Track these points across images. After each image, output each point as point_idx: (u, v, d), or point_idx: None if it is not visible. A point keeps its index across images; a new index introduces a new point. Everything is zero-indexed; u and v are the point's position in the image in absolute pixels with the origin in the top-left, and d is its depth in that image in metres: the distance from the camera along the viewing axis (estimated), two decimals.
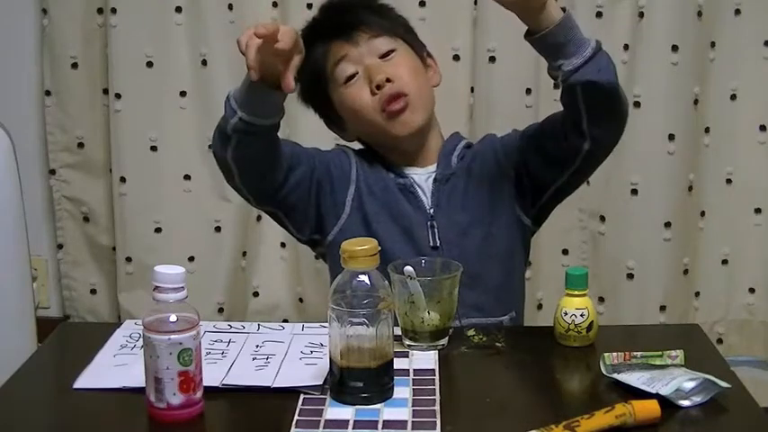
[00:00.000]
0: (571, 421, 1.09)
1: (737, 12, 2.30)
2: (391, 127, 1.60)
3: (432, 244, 1.58)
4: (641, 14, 2.25)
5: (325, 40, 1.62)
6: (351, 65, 1.60)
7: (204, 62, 2.35)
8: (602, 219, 2.38)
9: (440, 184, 1.62)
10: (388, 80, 1.58)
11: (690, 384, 1.16)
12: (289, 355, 1.31)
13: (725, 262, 2.42)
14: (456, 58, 2.29)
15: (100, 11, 2.37)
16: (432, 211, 1.60)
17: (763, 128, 2.35)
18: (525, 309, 2.38)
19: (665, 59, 2.25)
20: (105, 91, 2.41)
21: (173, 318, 1.12)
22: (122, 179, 2.40)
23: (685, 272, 2.39)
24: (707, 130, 2.35)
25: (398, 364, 1.23)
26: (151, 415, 1.14)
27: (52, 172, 2.48)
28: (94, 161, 2.47)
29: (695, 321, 2.29)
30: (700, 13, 2.25)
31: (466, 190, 1.62)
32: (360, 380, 1.17)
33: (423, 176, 1.64)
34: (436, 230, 1.59)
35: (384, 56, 1.60)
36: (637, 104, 2.28)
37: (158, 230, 2.41)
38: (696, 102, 2.30)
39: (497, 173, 1.63)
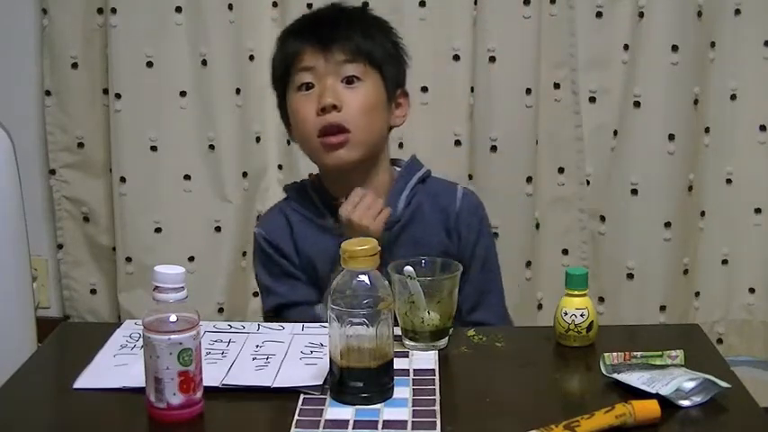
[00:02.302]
0: (571, 421, 1.09)
1: (737, 12, 2.30)
2: (323, 156, 1.57)
3: None
4: (641, 14, 2.25)
5: (304, 41, 1.58)
6: (312, 76, 1.56)
7: (204, 62, 2.35)
8: (603, 219, 2.38)
9: (383, 230, 1.55)
10: (335, 107, 1.54)
11: (690, 384, 1.16)
12: (289, 355, 1.31)
13: (725, 262, 2.42)
14: (456, 58, 2.29)
15: (100, 11, 2.36)
16: None
17: (763, 128, 2.35)
18: (525, 309, 2.40)
19: (665, 59, 2.25)
20: (105, 91, 2.40)
21: (173, 318, 1.12)
22: (122, 179, 2.40)
23: (685, 272, 2.39)
24: (707, 130, 2.35)
25: (398, 364, 1.23)
26: (151, 415, 1.14)
27: (52, 172, 2.48)
28: (94, 161, 2.47)
29: (695, 321, 2.29)
30: (700, 13, 2.25)
31: (410, 239, 1.58)
32: (360, 380, 1.17)
33: None
34: None
35: (348, 81, 1.56)
36: (637, 104, 2.29)
37: (158, 230, 2.41)
38: (696, 102, 2.30)
39: (438, 236, 1.60)
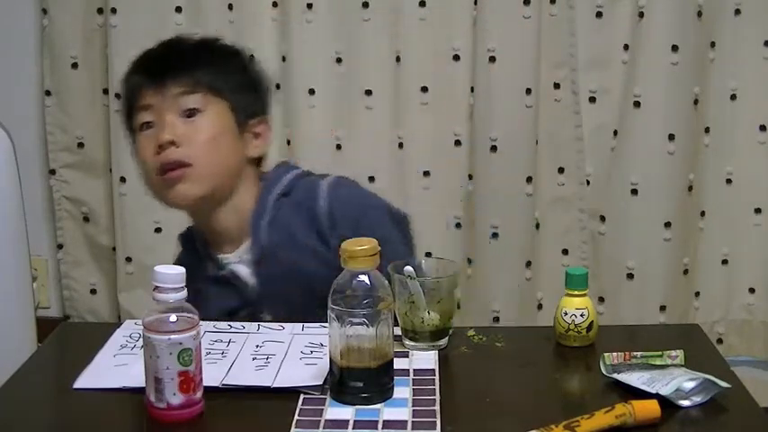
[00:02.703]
0: (571, 421, 1.09)
1: (737, 12, 2.30)
2: (164, 195, 1.49)
3: None
4: (641, 14, 2.25)
5: (141, 78, 1.51)
6: (151, 114, 1.48)
7: None
8: (603, 219, 2.38)
9: (258, 268, 1.50)
10: (172, 143, 1.45)
11: (690, 384, 1.16)
12: (289, 355, 1.31)
13: (725, 262, 2.42)
14: (456, 58, 2.29)
15: (100, 11, 2.37)
16: (258, 302, 1.50)
17: (763, 128, 2.36)
18: (525, 309, 2.40)
19: (665, 59, 2.25)
20: (105, 91, 2.41)
21: (173, 318, 1.12)
22: (122, 179, 2.40)
23: (685, 272, 2.39)
24: (707, 130, 2.35)
25: (398, 364, 1.23)
26: (151, 415, 1.14)
27: (52, 172, 2.48)
28: (94, 161, 2.47)
29: (695, 321, 2.29)
30: (700, 13, 2.25)
31: (288, 269, 1.49)
32: (360, 380, 1.17)
33: (239, 260, 1.52)
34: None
35: (188, 114, 1.47)
36: (637, 104, 2.29)
37: (158, 230, 2.41)
38: (696, 102, 2.30)
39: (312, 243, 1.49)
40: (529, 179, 2.33)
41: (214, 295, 1.53)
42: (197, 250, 1.58)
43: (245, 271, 1.53)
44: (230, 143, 1.51)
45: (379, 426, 1.12)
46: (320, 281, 1.37)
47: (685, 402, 1.16)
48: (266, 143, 1.57)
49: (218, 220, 1.53)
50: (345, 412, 1.15)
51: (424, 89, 2.31)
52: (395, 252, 1.42)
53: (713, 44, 2.31)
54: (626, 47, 2.29)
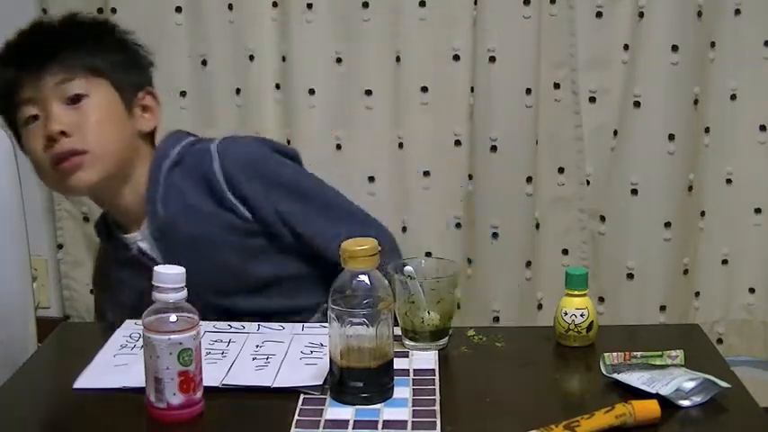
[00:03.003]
0: (571, 421, 1.09)
1: (737, 12, 2.30)
2: (62, 186, 1.48)
3: None
4: (641, 14, 2.25)
5: (16, 70, 1.46)
6: (33, 107, 1.45)
7: (204, 62, 2.35)
8: (603, 219, 2.38)
9: (160, 242, 1.49)
10: (63, 133, 1.42)
11: (690, 384, 1.16)
12: (289, 355, 1.31)
13: (725, 262, 2.42)
14: (456, 58, 2.29)
15: (100, 11, 2.36)
16: None
17: (763, 128, 2.35)
18: (525, 309, 2.40)
19: (665, 59, 2.25)
20: None
21: (173, 318, 1.12)
22: None
23: (685, 272, 2.39)
24: (707, 130, 2.35)
25: (398, 364, 1.23)
26: (151, 415, 1.14)
27: None
28: None
29: (695, 321, 2.29)
30: (700, 13, 2.25)
31: (191, 241, 1.47)
32: (360, 380, 1.17)
33: (142, 238, 1.51)
34: None
35: (72, 101, 1.45)
36: (637, 104, 2.29)
37: None
38: (696, 102, 2.30)
39: (210, 209, 1.47)
40: (529, 179, 2.33)
41: (128, 278, 1.52)
42: (111, 236, 1.56)
43: (149, 247, 1.51)
44: (120, 122, 1.49)
45: (379, 426, 1.12)
46: (231, 248, 1.36)
47: (685, 402, 1.16)
48: (156, 115, 1.55)
49: (120, 201, 1.52)
50: (345, 412, 1.15)
51: (424, 89, 2.31)
52: (308, 179, 1.50)
53: (713, 44, 2.31)
54: (626, 47, 2.29)
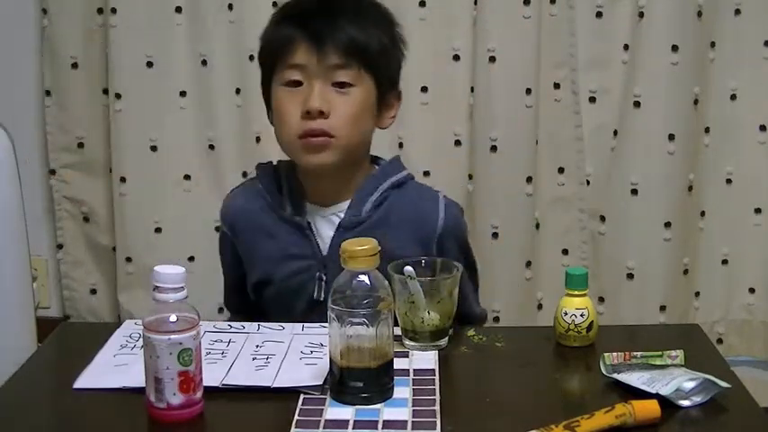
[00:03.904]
0: (571, 421, 1.09)
1: (737, 12, 2.30)
2: (302, 156, 1.50)
3: (316, 296, 1.52)
4: (641, 14, 2.25)
5: (297, 31, 1.48)
6: (301, 74, 1.48)
7: (204, 62, 2.35)
8: (603, 219, 2.38)
9: (344, 230, 1.51)
10: (321, 113, 1.47)
11: (690, 384, 1.16)
12: (289, 355, 1.31)
13: (725, 262, 2.42)
14: (456, 58, 2.29)
15: (100, 11, 2.36)
16: (325, 260, 1.51)
17: (763, 128, 2.35)
18: (525, 309, 2.40)
19: (665, 59, 2.25)
20: (105, 91, 2.40)
21: (173, 318, 1.12)
22: (122, 179, 2.40)
23: (685, 272, 2.39)
24: (707, 130, 2.35)
25: (398, 364, 1.23)
26: (151, 415, 1.14)
27: (52, 172, 2.48)
28: (94, 161, 2.47)
29: (695, 321, 2.29)
30: (700, 13, 2.25)
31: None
32: (360, 380, 1.17)
33: (326, 217, 1.54)
34: (323, 284, 1.51)
35: (339, 85, 1.48)
36: (637, 104, 2.29)
37: (158, 230, 2.41)
38: (696, 102, 2.30)
39: (410, 246, 1.49)
40: (529, 179, 2.33)
41: (278, 234, 1.54)
42: (278, 187, 1.57)
43: (325, 227, 1.54)
44: (370, 118, 1.54)
45: (379, 426, 1.12)
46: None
47: (685, 402, 1.16)
48: (394, 114, 1.59)
49: (331, 182, 1.54)
50: (345, 412, 1.15)
51: (424, 89, 2.31)
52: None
53: (713, 44, 2.31)
54: (626, 47, 2.29)
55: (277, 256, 1.54)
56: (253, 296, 1.60)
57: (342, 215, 1.53)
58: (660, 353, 1.26)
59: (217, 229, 2.41)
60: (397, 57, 1.58)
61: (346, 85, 1.49)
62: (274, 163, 1.63)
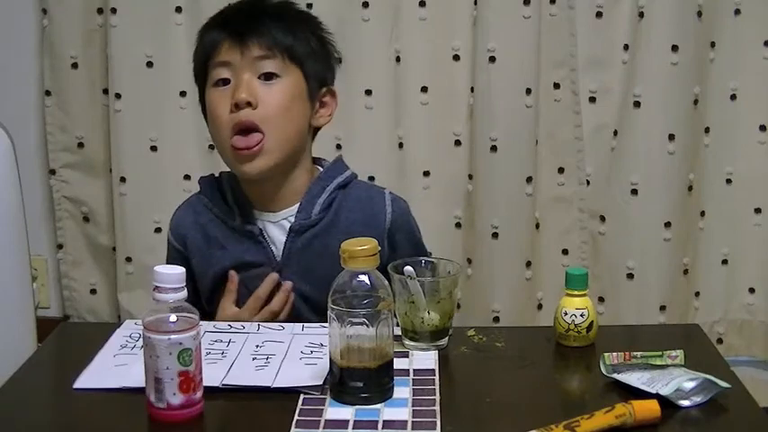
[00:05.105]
0: (571, 421, 1.09)
1: (737, 12, 2.30)
2: (238, 166, 1.51)
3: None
4: (641, 14, 2.26)
5: (221, 34, 1.52)
6: (228, 71, 1.50)
7: None
8: (603, 219, 2.38)
9: (295, 234, 1.52)
10: (249, 104, 1.47)
11: (690, 384, 1.16)
12: (289, 355, 1.31)
13: (725, 262, 2.42)
14: (456, 58, 2.29)
15: (100, 11, 2.37)
16: (280, 266, 1.53)
17: (763, 128, 2.36)
18: (525, 309, 2.40)
19: (665, 59, 2.25)
20: (105, 91, 2.41)
21: (173, 318, 1.12)
22: (122, 179, 2.40)
23: (685, 272, 2.39)
24: (707, 130, 2.35)
25: (398, 364, 1.23)
26: (151, 415, 1.14)
27: (52, 172, 2.49)
28: (94, 161, 2.47)
29: (695, 321, 2.29)
30: (700, 13, 2.26)
31: (324, 249, 1.50)
32: (360, 380, 1.17)
33: (276, 223, 1.54)
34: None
35: (265, 77, 1.49)
36: (637, 104, 2.29)
37: (158, 230, 2.41)
38: (696, 102, 2.30)
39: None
40: (529, 179, 2.33)
41: (230, 244, 1.55)
42: (223, 198, 1.58)
43: (277, 233, 1.54)
44: (301, 111, 1.53)
45: (379, 426, 1.12)
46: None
47: (685, 402, 1.16)
48: (330, 113, 1.60)
49: (273, 187, 1.55)
50: (345, 412, 1.15)
51: (424, 89, 2.31)
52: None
53: (713, 44, 2.31)
54: (626, 47, 2.29)
55: (232, 266, 1.54)
56: (207, 307, 1.57)
57: (292, 219, 1.54)
58: (660, 353, 1.26)
59: None
60: (325, 56, 1.59)
61: (273, 75, 1.50)
62: (216, 175, 1.63)
